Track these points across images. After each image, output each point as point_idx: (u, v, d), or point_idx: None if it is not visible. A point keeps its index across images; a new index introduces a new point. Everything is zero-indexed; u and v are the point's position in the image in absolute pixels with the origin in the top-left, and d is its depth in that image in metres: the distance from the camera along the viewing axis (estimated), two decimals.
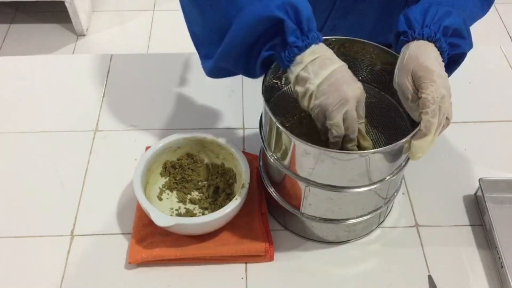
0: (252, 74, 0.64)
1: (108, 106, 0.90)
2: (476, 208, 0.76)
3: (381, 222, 0.75)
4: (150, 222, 0.67)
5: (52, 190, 0.77)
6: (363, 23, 0.85)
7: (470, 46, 0.64)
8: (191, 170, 0.77)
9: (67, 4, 2.05)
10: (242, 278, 0.68)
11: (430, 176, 0.80)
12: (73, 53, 2.11)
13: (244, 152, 0.74)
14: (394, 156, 0.61)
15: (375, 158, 0.59)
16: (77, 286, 0.67)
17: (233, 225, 0.71)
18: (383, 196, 0.67)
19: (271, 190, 0.71)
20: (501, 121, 0.89)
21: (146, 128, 0.86)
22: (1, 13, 2.26)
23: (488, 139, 0.86)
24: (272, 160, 0.66)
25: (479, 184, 0.74)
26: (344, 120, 0.58)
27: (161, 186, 0.75)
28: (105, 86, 0.93)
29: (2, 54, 2.07)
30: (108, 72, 0.95)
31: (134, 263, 0.68)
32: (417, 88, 0.58)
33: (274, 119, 0.60)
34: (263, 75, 0.64)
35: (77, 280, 0.68)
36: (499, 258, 0.68)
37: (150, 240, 0.69)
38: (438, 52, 0.60)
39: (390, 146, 0.57)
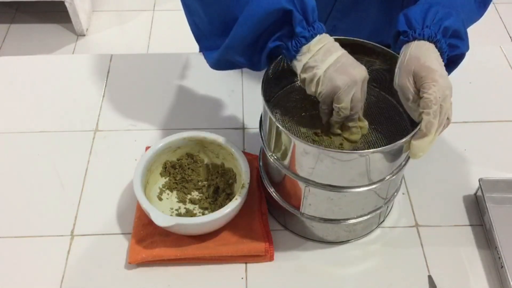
0: (257, 67, 0.66)
1: (108, 106, 0.90)
2: (476, 208, 0.76)
3: (381, 222, 0.75)
4: (150, 222, 0.67)
5: (52, 190, 0.77)
6: (362, 24, 0.85)
7: (467, 47, 0.64)
8: (191, 170, 0.77)
9: (67, 4, 2.05)
10: (242, 278, 0.68)
11: (430, 176, 0.80)
12: (73, 53, 2.11)
13: (244, 152, 0.74)
14: (394, 156, 0.61)
15: (375, 158, 0.59)
16: (77, 286, 0.67)
17: (233, 225, 0.71)
18: (383, 196, 0.67)
19: (271, 190, 0.71)
20: (501, 121, 0.89)
21: (146, 128, 0.86)
22: (1, 13, 2.26)
23: (488, 139, 0.86)
24: (272, 160, 0.66)
25: (479, 184, 0.74)
26: (351, 100, 0.60)
27: (161, 186, 0.75)
28: (105, 86, 0.93)
29: (2, 54, 2.07)
30: (108, 72, 0.95)
31: (134, 263, 0.68)
32: (418, 88, 0.58)
33: (274, 119, 0.60)
34: (264, 70, 0.65)
35: (77, 280, 0.68)
36: (499, 258, 0.68)
37: (150, 240, 0.69)
38: (439, 53, 0.60)
39: (390, 146, 0.57)
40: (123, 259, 0.70)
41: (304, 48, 0.60)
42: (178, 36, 2.13)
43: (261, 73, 0.64)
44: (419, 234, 0.73)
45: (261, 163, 0.74)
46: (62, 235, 0.72)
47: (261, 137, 0.68)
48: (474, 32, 0.66)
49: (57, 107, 0.89)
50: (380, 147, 0.62)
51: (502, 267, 0.67)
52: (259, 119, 0.69)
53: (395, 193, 0.71)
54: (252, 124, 0.87)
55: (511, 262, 0.67)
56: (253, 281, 0.68)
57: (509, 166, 0.82)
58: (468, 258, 0.71)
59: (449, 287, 0.68)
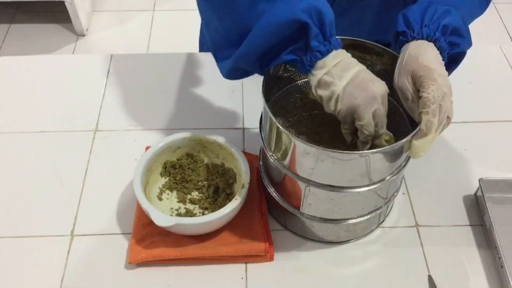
0: (264, 73, 0.64)
1: (108, 106, 0.90)
2: (476, 208, 0.76)
3: (381, 222, 0.75)
4: (150, 222, 0.67)
5: (52, 190, 0.77)
6: (362, 21, 0.85)
7: (469, 44, 0.64)
8: (191, 170, 0.77)
9: (67, 4, 2.05)
10: (242, 278, 0.68)
11: (430, 176, 0.80)
12: (73, 53, 2.11)
13: (244, 152, 0.74)
14: (394, 156, 0.61)
15: (375, 158, 0.59)
16: (77, 286, 0.67)
17: (233, 225, 0.71)
18: (383, 196, 0.67)
19: (271, 190, 0.71)
20: (501, 121, 0.89)
21: (146, 128, 0.86)
22: (1, 13, 2.26)
23: (488, 139, 0.86)
24: (272, 160, 0.66)
25: (479, 184, 0.74)
26: (373, 117, 0.58)
27: (161, 186, 0.75)
28: (105, 86, 0.93)
29: (2, 54, 2.07)
30: (108, 72, 0.95)
31: (134, 263, 0.68)
32: (417, 88, 0.58)
33: (274, 119, 0.60)
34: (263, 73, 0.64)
35: (77, 280, 0.68)
36: (499, 258, 0.68)
37: (150, 240, 0.69)
38: (438, 52, 0.60)
39: (390, 146, 0.57)
40: (123, 259, 0.70)
41: (320, 63, 0.58)
42: (178, 36, 2.14)
43: None
44: (419, 234, 0.73)
45: (261, 163, 0.74)
46: (62, 235, 0.72)
47: (261, 137, 0.68)
48: (474, 32, 0.65)
49: (57, 107, 0.89)
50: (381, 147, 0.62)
51: (502, 267, 0.67)
52: (259, 119, 0.69)
53: (395, 193, 0.71)
54: (252, 124, 0.87)
55: (511, 262, 0.67)
56: (253, 281, 0.68)
57: (509, 166, 0.82)
58: (468, 258, 0.71)
59: (449, 287, 0.68)
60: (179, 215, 0.72)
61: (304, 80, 0.72)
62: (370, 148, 0.61)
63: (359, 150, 0.61)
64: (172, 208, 0.73)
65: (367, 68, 0.61)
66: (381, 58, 0.68)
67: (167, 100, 0.91)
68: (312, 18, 0.56)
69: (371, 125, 0.58)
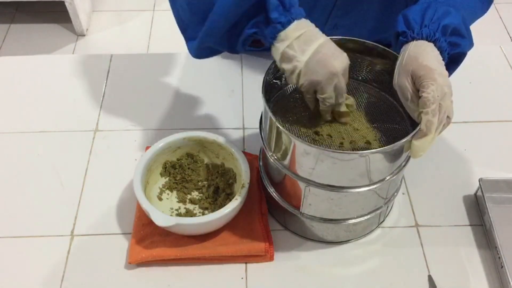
0: (235, 51, 0.65)
1: (108, 106, 0.90)
2: (476, 208, 0.76)
3: (381, 222, 0.75)
4: (150, 222, 0.67)
5: (52, 190, 0.77)
6: (364, 21, 0.85)
7: (470, 45, 0.64)
8: (191, 170, 0.77)
9: (67, 4, 2.05)
10: (242, 278, 0.68)
11: (430, 176, 0.80)
12: (73, 53, 2.11)
13: (244, 152, 0.74)
14: (394, 156, 0.61)
15: (375, 158, 0.59)
16: (77, 286, 0.67)
17: (233, 225, 0.71)
18: (383, 196, 0.67)
19: (271, 190, 0.71)
20: (501, 121, 0.89)
21: (146, 128, 0.86)
22: (1, 13, 2.26)
23: (488, 139, 0.86)
24: (272, 160, 0.66)
25: (479, 184, 0.74)
26: (333, 90, 0.60)
27: (161, 186, 0.75)
28: (105, 86, 0.93)
29: (2, 54, 2.07)
30: (108, 72, 0.95)
31: (134, 263, 0.68)
32: (417, 88, 0.58)
33: (274, 119, 0.60)
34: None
35: (77, 280, 0.68)
36: (499, 258, 0.68)
37: (150, 240, 0.69)
38: (438, 52, 0.60)
39: (390, 146, 0.57)
40: (123, 259, 0.70)
41: (282, 34, 0.58)
42: (178, 36, 2.13)
43: (262, 73, 0.64)
44: (419, 234, 0.73)
45: (261, 163, 0.74)
46: (62, 235, 0.72)
47: (261, 137, 0.68)
48: (474, 32, 0.65)
49: (57, 107, 0.89)
50: (380, 147, 0.62)
51: (502, 267, 0.67)
52: (259, 119, 0.69)
53: (395, 193, 0.71)
54: (252, 124, 0.87)
55: (511, 262, 0.67)
56: (253, 281, 0.68)
57: (509, 166, 0.82)
58: (468, 258, 0.71)
59: (449, 287, 0.68)
60: (179, 215, 0.72)
61: None
62: (332, 114, 0.64)
63: (325, 118, 0.64)
64: (172, 208, 0.73)
65: (367, 68, 0.62)
66: (381, 58, 0.68)
67: (167, 100, 0.91)
68: None
69: (332, 98, 0.60)
